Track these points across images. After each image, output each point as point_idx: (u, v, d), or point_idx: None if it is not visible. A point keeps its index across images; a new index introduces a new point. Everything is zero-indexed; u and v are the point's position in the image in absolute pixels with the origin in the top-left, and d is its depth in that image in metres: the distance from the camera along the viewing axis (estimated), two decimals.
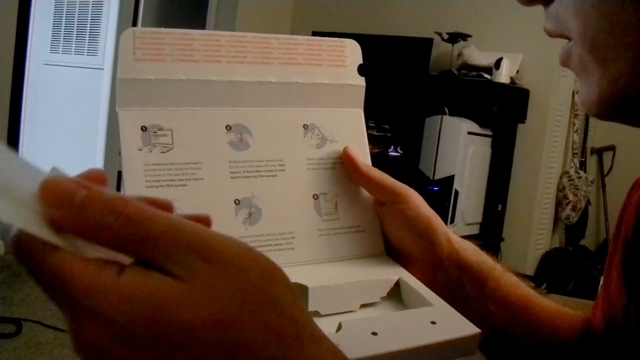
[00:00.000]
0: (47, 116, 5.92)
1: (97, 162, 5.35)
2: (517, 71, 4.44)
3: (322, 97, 0.72)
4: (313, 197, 0.69)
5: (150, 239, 0.39)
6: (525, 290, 0.75)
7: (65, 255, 0.38)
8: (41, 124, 5.98)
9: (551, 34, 0.55)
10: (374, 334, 0.55)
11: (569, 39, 0.53)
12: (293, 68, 0.70)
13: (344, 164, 0.71)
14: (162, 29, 0.65)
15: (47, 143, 5.88)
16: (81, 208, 0.38)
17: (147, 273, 0.39)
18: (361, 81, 0.74)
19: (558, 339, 0.76)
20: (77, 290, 0.37)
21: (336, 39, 0.73)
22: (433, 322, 0.59)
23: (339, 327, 0.56)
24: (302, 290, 0.61)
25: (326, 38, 0.73)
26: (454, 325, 0.60)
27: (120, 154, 0.61)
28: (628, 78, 0.49)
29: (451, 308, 0.62)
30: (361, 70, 0.74)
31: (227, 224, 0.63)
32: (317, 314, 0.60)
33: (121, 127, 0.62)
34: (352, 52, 0.74)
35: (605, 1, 0.47)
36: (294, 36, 0.71)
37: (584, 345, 0.75)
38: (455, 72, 4.54)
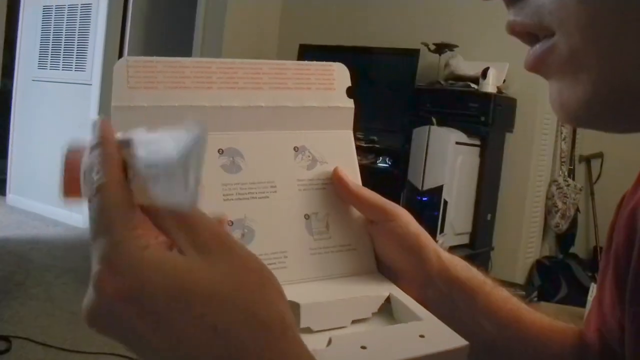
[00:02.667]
0: (36, 131, 5.91)
1: None
2: (504, 80, 4.45)
3: (311, 119, 0.73)
4: (305, 217, 0.71)
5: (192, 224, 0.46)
6: (515, 305, 0.76)
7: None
8: (30, 140, 5.98)
9: (523, 28, 0.49)
10: (363, 347, 0.57)
11: (547, 34, 0.47)
12: (283, 92, 0.72)
13: (335, 184, 0.72)
14: (155, 58, 0.67)
15: (36, 158, 5.87)
16: None
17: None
18: (350, 103, 0.75)
19: (550, 353, 0.76)
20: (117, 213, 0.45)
21: (324, 63, 0.75)
22: (422, 336, 0.60)
23: (329, 342, 0.57)
24: (294, 307, 0.62)
25: (314, 62, 0.75)
26: (442, 338, 0.61)
27: None
28: (634, 70, 0.44)
29: (440, 322, 0.63)
30: (349, 92, 0.75)
31: None
32: (308, 330, 0.62)
33: None
34: (340, 75, 0.76)
35: None
36: (283, 61, 0.73)
37: (578, 359, 0.75)
38: (443, 82, 4.55)
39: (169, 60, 0.67)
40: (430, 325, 0.63)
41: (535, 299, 4.06)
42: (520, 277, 4.64)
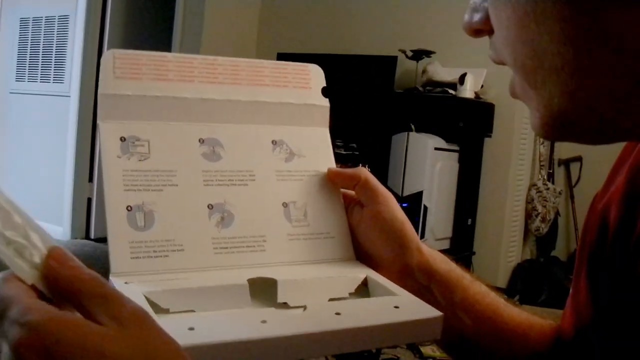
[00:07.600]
0: (15, 145, 5.87)
1: (66, 189, 5.31)
2: (482, 86, 4.48)
3: (288, 115, 0.77)
4: (282, 205, 0.73)
5: (97, 295, 0.46)
6: (494, 299, 0.77)
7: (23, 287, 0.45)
8: (9, 153, 5.93)
9: (495, 61, 0.58)
10: (338, 314, 0.60)
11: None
12: (261, 89, 0.75)
13: (331, 177, 0.75)
14: (140, 51, 0.71)
15: (15, 172, 5.83)
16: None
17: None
18: (325, 102, 0.79)
19: (528, 347, 0.77)
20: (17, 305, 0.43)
21: (300, 63, 0.79)
22: (396, 307, 0.63)
23: (305, 308, 0.61)
24: (271, 283, 0.64)
25: (291, 63, 0.78)
26: (416, 309, 0.63)
27: (89, 181, 0.64)
28: (559, 100, 0.50)
29: (416, 297, 0.65)
30: (325, 92, 0.78)
31: (200, 226, 0.68)
32: (286, 305, 0.63)
33: (101, 138, 0.67)
34: (316, 76, 0.79)
35: (524, 30, 0.49)
36: (261, 60, 0.77)
37: (554, 354, 0.76)
38: (420, 88, 4.58)
39: (153, 54, 0.72)
40: (405, 299, 0.65)
41: (518, 302, 4.08)
42: (502, 281, 4.66)
